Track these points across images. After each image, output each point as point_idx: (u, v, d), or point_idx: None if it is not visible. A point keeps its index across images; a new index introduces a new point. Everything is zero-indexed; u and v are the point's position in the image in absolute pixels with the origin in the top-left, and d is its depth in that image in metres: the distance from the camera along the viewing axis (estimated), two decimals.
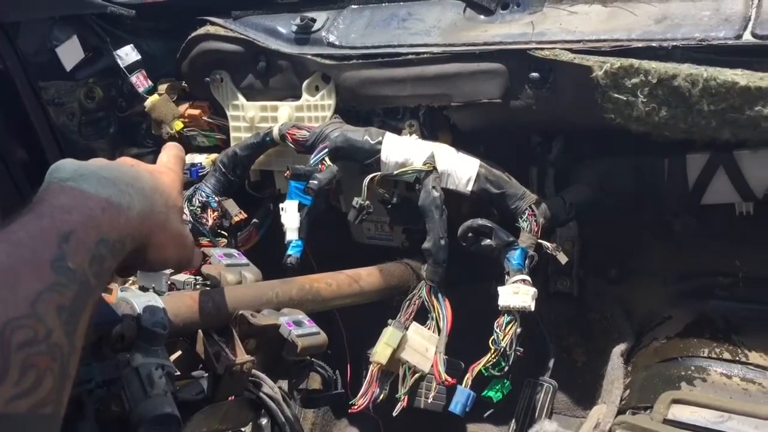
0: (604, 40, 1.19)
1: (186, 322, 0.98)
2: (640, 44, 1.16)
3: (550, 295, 1.58)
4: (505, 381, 1.25)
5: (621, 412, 1.20)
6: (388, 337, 1.23)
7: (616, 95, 1.16)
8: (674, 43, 1.14)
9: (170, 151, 0.86)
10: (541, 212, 1.32)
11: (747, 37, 1.10)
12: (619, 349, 1.37)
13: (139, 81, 1.52)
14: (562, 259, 1.31)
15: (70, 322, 0.55)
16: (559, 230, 1.52)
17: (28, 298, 0.53)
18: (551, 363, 1.51)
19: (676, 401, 1.14)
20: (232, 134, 1.51)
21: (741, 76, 1.06)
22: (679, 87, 1.10)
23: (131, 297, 0.89)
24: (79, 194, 0.63)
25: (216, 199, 1.41)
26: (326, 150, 1.33)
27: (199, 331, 0.99)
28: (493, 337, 1.20)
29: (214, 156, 1.52)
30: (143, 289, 1.00)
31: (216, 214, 1.40)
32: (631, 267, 1.53)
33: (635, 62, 1.13)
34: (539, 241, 1.30)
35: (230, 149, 1.45)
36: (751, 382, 1.18)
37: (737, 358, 1.23)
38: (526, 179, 1.46)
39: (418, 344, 1.25)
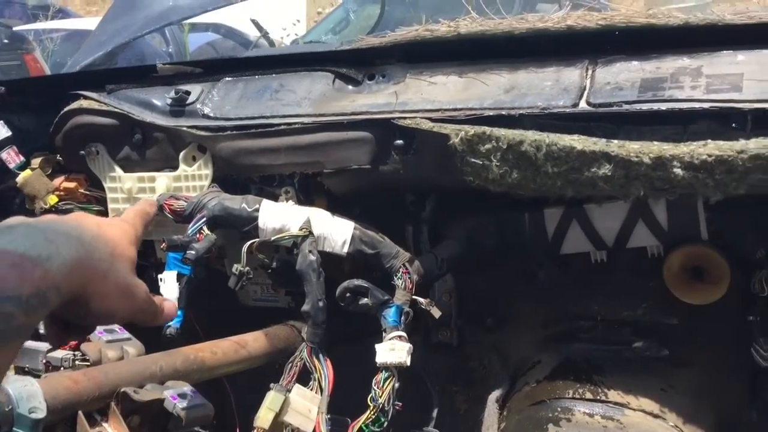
0: (460, 109, 1.29)
1: (65, 404, 0.97)
2: (491, 112, 1.27)
3: (433, 346, 1.65)
4: None
5: None
6: (270, 401, 1.25)
7: (472, 160, 1.25)
8: (521, 111, 1.25)
9: (134, 206, 0.90)
10: (414, 269, 1.39)
11: (582, 105, 1.23)
12: (494, 396, 1.45)
13: (10, 157, 1.50)
14: (436, 313, 1.38)
15: None
16: (437, 284, 1.60)
17: None
18: (435, 412, 1.56)
19: None
20: (110, 206, 1.51)
21: (578, 141, 1.17)
22: (526, 152, 1.20)
23: (5, 383, 0.88)
24: None
25: None
26: (204, 219, 1.35)
27: (80, 412, 0.99)
28: (371, 395, 1.25)
29: None
30: (19, 370, 0.99)
31: None
32: (504, 315, 1.62)
33: (487, 130, 1.23)
34: (414, 297, 1.37)
35: None
36: (610, 419, 1.28)
37: (598, 397, 1.33)
38: (403, 237, 1.54)
39: (301, 406, 1.28)
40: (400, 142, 1.32)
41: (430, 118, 1.29)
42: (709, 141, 1.09)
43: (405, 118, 1.31)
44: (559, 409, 1.32)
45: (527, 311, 1.59)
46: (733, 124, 1.12)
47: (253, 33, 3.22)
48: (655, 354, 1.40)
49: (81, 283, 0.67)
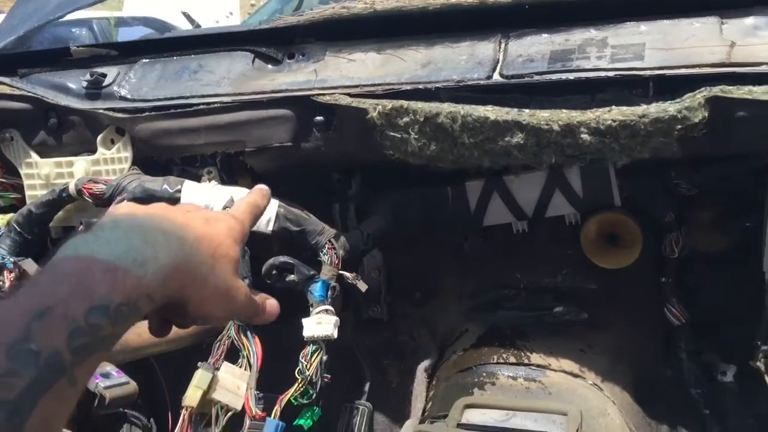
0: (378, 85, 1.31)
1: None
2: (408, 87, 1.29)
3: (364, 323, 1.67)
4: (315, 408, 1.30)
5: (422, 422, 1.30)
6: (198, 379, 1.25)
7: (391, 133, 1.27)
8: (437, 85, 1.28)
9: (249, 198, 0.82)
10: (340, 245, 1.41)
11: (496, 77, 1.26)
12: (423, 366, 1.48)
13: None
14: (362, 287, 1.40)
15: (14, 418, 0.48)
16: (365, 260, 1.62)
17: None
18: (367, 386, 1.59)
19: (468, 406, 1.25)
20: (28, 193, 1.48)
21: (491, 112, 1.20)
22: (442, 123, 1.23)
23: None
24: (75, 261, 0.56)
25: (12, 259, 1.37)
26: (124, 202, 1.34)
27: None
28: (299, 368, 1.26)
29: (10, 216, 1.48)
30: None
31: (13, 275, 1.36)
32: (432, 289, 1.66)
33: (404, 103, 1.25)
34: (340, 272, 1.38)
35: (25, 208, 1.42)
36: (532, 381, 1.33)
37: (521, 361, 1.37)
38: (330, 215, 1.56)
39: (230, 383, 1.28)
40: (320, 118, 1.33)
41: (348, 94, 1.30)
42: (614, 107, 1.14)
43: (324, 94, 1.32)
44: (484, 374, 1.36)
45: (454, 283, 1.62)
46: (636, 91, 1.17)
47: (186, 27, 3.17)
48: (575, 318, 1.45)
49: (177, 289, 0.63)
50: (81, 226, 1.29)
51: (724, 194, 1.38)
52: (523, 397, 1.29)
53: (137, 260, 0.58)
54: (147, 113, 1.38)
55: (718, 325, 1.43)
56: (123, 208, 0.69)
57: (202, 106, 1.37)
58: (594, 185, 1.41)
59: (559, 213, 1.47)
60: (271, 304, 0.78)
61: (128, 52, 1.51)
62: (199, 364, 1.28)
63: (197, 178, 1.42)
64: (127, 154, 1.42)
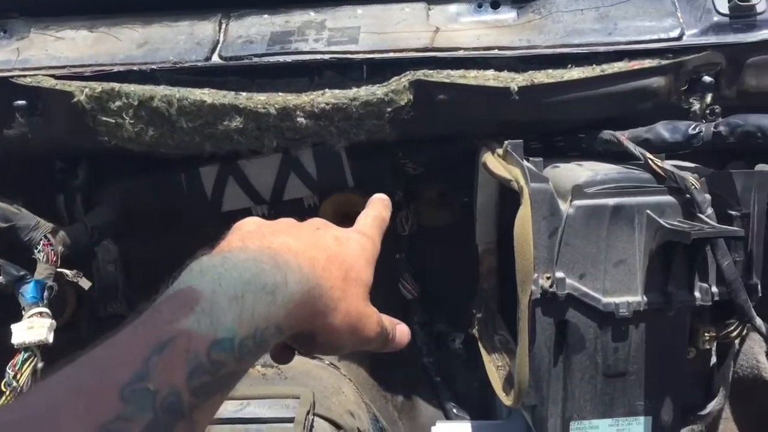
0: (88, 65, 1.21)
1: None
2: (122, 68, 1.21)
3: (102, 320, 1.57)
4: None
5: None
6: None
7: (104, 118, 1.19)
8: (153, 66, 1.21)
9: (372, 211, 0.70)
10: (58, 240, 1.29)
11: (215, 59, 1.22)
12: None
13: None
14: (85, 284, 1.30)
15: None
16: (100, 254, 1.52)
17: None
18: None
19: None
20: None
21: (208, 95, 1.16)
22: (158, 107, 1.17)
23: None
24: (200, 287, 0.48)
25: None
26: None
27: None
28: (5, 380, 1.15)
29: None
30: None
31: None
32: (176, 279, 1.59)
33: (116, 86, 1.17)
34: (59, 270, 1.28)
35: None
36: (269, 367, 1.32)
37: None
38: (54, 207, 1.43)
39: None
40: (22, 102, 1.21)
41: (53, 76, 1.20)
42: (327, 90, 1.15)
43: (26, 76, 1.20)
44: None
45: None
46: (351, 75, 1.19)
47: None
48: None
49: (307, 317, 0.55)
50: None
51: (446, 173, 1.46)
52: (259, 384, 1.27)
53: (267, 287, 0.51)
54: None
55: (447, 296, 1.51)
56: (249, 225, 0.62)
57: None
58: (327, 168, 1.43)
59: (297, 196, 1.47)
60: (402, 330, 0.68)
61: None
62: None
63: None
64: None
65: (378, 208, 0.71)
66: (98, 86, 1.17)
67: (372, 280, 0.62)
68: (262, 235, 0.59)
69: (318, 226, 0.64)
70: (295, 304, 0.53)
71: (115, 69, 1.20)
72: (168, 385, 0.44)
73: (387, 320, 0.65)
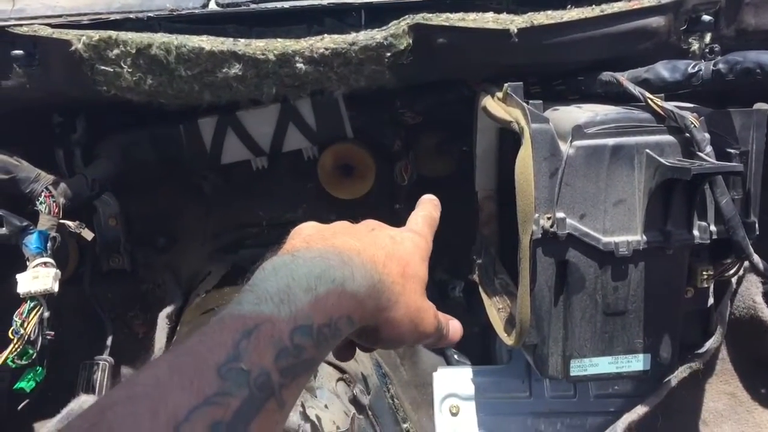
0: (85, 14, 1.20)
1: None
2: (118, 16, 1.20)
3: (105, 275, 1.58)
4: (38, 368, 1.21)
5: None
6: None
7: (102, 67, 1.18)
8: (150, 14, 1.20)
9: (422, 210, 0.74)
10: (60, 192, 1.30)
11: (212, 6, 1.21)
12: (164, 313, 1.43)
13: None
14: (88, 235, 1.31)
15: None
16: (101, 208, 1.52)
17: (171, 422, 0.42)
18: (109, 341, 1.51)
19: None
20: None
21: (206, 42, 1.16)
22: (156, 55, 1.16)
23: None
24: (275, 281, 0.53)
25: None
26: None
27: None
28: (12, 327, 1.16)
29: None
30: None
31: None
32: (175, 233, 1.60)
33: (113, 34, 1.16)
34: (61, 221, 1.28)
35: None
36: None
37: None
38: (53, 161, 1.43)
39: None
40: (19, 52, 1.19)
41: (50, 24, 1.19)
42: (326, 36, 1.14)
43: (22, 25, 1.19)
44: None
45: (196, 226, 1.58)
46: (350, 20, 1.18)
47: None
48: None
49: (372, 311, 0.58)
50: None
51: (444, 123, 1.46)
52: None
53: (336, 280, 0.55)
54: None
55: (446, 246, 1.52)
56: (309, 229, 0.63)
57: None
58: (326, 118, 1.42)
59: (296, 147, 1.47)
60: (455, 326, 0.71)
61: None
62: None
63: None
64: None
65: (428, 208, 0.75)
66: (95, 34, 1.16)
67: (427, 277, 0.65)
68: (324, 237, 0.61)
69: (373, 227, 0.67)
70: (363, 297, 0.57)
71: (112, 17, 1.19)
72: (258, 366, 0.47)
73: (441, 316, 0.68)
